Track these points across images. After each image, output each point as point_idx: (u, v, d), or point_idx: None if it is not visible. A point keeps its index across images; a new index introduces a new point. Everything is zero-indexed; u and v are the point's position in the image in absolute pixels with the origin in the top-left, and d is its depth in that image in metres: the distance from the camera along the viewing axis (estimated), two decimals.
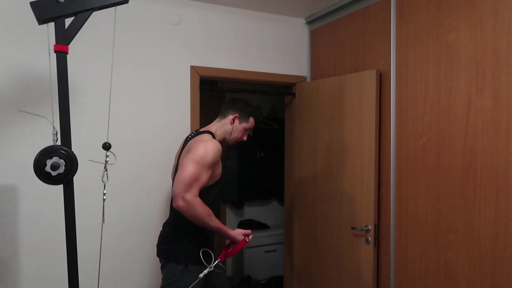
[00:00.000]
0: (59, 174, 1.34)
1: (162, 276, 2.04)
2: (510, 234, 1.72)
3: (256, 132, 4.19)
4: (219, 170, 2.03)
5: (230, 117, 2.13)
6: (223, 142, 2.16)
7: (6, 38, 2.20)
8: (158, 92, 2.59)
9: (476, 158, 1.85)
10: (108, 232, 2.44)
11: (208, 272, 1.79)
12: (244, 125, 2.15)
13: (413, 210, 2.18)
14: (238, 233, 2.00)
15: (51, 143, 1.40)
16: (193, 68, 2.68)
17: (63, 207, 1.43)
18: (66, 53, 1.40)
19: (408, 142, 2.21)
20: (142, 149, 2.55)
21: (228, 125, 2.13)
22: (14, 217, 2.24)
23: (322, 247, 2.75)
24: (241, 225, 4.31)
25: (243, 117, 2.15)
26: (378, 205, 2.39)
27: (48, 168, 1.32)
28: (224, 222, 4.22)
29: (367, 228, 2.40)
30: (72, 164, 1.37)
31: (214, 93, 3.61)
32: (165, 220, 2.14)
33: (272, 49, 2.97)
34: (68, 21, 1.42)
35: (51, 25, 1.42)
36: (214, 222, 1.89)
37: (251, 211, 4.46)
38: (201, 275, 1.78)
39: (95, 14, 1.47)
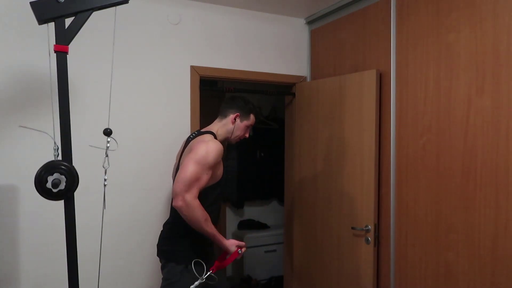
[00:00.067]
0: (60, 190, 1.36)
1: (162, 276, 2.04)
2: (510, 234, 1.72)
3: (256, 132, 4.19)
4: (220, 171, 2.03)
5: (231, 116, 2.13)
6: (225, 141, 2.16)
7: (6, 38, 2.20)
8: (158, 92, 2.59)
9: (476, 158, 1.85)
10: (108, 232, 2.44)
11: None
12: (246, 122, 2.16)
13: (413, 210, 2.18)
14: (232, 243, 1.95)
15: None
16: (193, 68, 2.69)
17: (63, 207, 1.43)
18: (66, 53, 1.40)
19: (408, 142, 2.21)
20: (142, 149, 2.55)
21: (229, 125, 2.13)
22: (14, 217, 2.24)
23: (322, 247, 2.75)
24: (241, 225, 4.31)
25: (244, 115, 2.15)
26: (378, 205, 2.39)
27: (49, 185, 1.34)
28: (224, 222, 4.22)
29: (367, 228, 2.40)
30: (73, 179, 1.39)
31: (214, 93, 3.60)
32: (166, 220, 2.14)
33: (272, 49, 2.97)
34: (68, 21, 1.42)
35: (51, 25, 1.42)
36: (210, 228, 1.88)
37: (251, 211, 4.46)
38: (192, 286, 1.79)
39: (95, 14, 1.47)
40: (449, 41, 1.98)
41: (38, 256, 2.29)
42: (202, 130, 2.14)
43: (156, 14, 2.57)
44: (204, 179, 1.88)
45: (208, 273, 1.84)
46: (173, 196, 1.86)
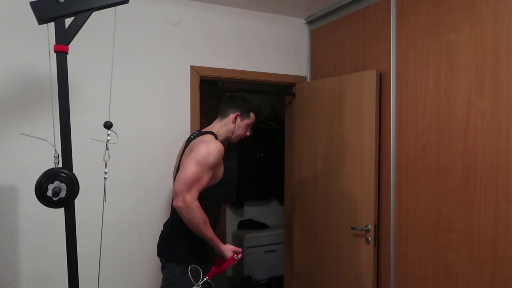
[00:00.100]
0: (60, 198, 1.37)
1: (162, 277, 2.04)
2: (510, 234, 1.72)
3: (256, 132, 4.19)
4: (221, 171, 2.03)
5: (232, 116, 2.13)
6: (225, 141, 2.16)
7: (6, 38, 2.20)
8: (158, 92, 2.59)
9: (476, 158, 1.85)
10: (108, 232, 2.44)
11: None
12: (246, 121, 2.16)
13: (413, 210, 2.18)
14: (228, 249, 1.94)
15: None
16: (193, 68, 2.69)
17: (63, 207, 1.43)
18: (66, 53, 1.40)
19: (408, 142, 2.21)
20: (142, 149, 2.55)
21: (230, 124, 2.13)
22: (14, 217, 2.24)
23: (322, 247, 2.76)
24: (241, 225, 4.31)
25: (244, 114, 2.15)
26: (378, 205, 2.39)
27: (49, 193, 1.35)
28: (224, 222, 4.22)
29: (367, 228, 2.40)
30: (73, 187, 1.39)
31: (214, 93, 3.60)
32: (166, 220, 2.14)
33: (272, 49, 2.97)
34: (68, 21, 1.42)
35: (51, 25, 1.42)
36: (208, 231, 1.88)
37: (251, 211, 4.46)
38: None
39: (95, 14, 1.47)
40: (449, 41, 1.98)
41: (38, 256, 2.29)
42: (203, 130, 2.14)
43: (156, 14, 2.57)
44: (205, 179, 1.88)
45: (205, 279, 1.83)
46: (174, 195, 1.86)
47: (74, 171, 1.43)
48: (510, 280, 1.72)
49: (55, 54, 1.40)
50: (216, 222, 2.11)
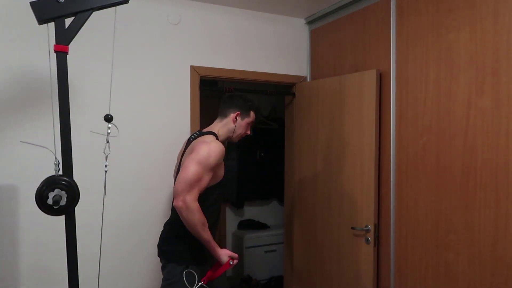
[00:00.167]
0: (61, 206, 1.37)
1: (162, 277, 2.04)
2: (510, 234, 1.72)
3: (256, 132, 4.19)
4: (221, 172, 2.02)
5: (232, 115, 2.13)
6: (226, 141, 2.16)
7: (6, 38, 2.20)
8: (158, 92, 2.59)
9: (476, 158, 1.85)
10: (108, 232, 2.44)
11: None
12: (247, 120, 2.16)
13: (413, 210, 2.18)
14: (225, 253, 1.93)
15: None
16: (193, 68, 2.69)
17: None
18: (66, 53, 1.40)
19: (408, 142, 2.21)
20: (142, 149, 2.55)
21: (231, 124, 2.13)
22: (14, 217, 2.24)
23: (322, 247, 2.76)
24: (241, 225, 4.31)
25: (244, 113, 2.15)
26: (378, 205, 2.39)
27: (50, 201, 1.35)
28: (224, 222, 4.23)
29: (367, 228, 2.40)
30: (73, 195, 1.39)
31: (214, 93, 3.60)
32: (166, 220, 2.14)
33: (272, 49, 2.97)
34: (68, 21, 1.42)
35: (51, 25, 1.42)
36: (206, 233, 1.87)
37: (251, 211, 4.46)
38: None
39: (95, 14, 1.47)
40: (449, 41, 1.98)
41: (38, 256, 2.29)
42: (204, 130, 2.14)
43: (156, 14, 2.57)
44: (205, 180, 1.88)
45: (200, 283, 1.83)
46: (174, 195, 1.86)
47: (74, 171, 1.43)
48: (510, 280, 1.72)
49: (55, 54, 1.40)
50: (216, 222, 2.11)
